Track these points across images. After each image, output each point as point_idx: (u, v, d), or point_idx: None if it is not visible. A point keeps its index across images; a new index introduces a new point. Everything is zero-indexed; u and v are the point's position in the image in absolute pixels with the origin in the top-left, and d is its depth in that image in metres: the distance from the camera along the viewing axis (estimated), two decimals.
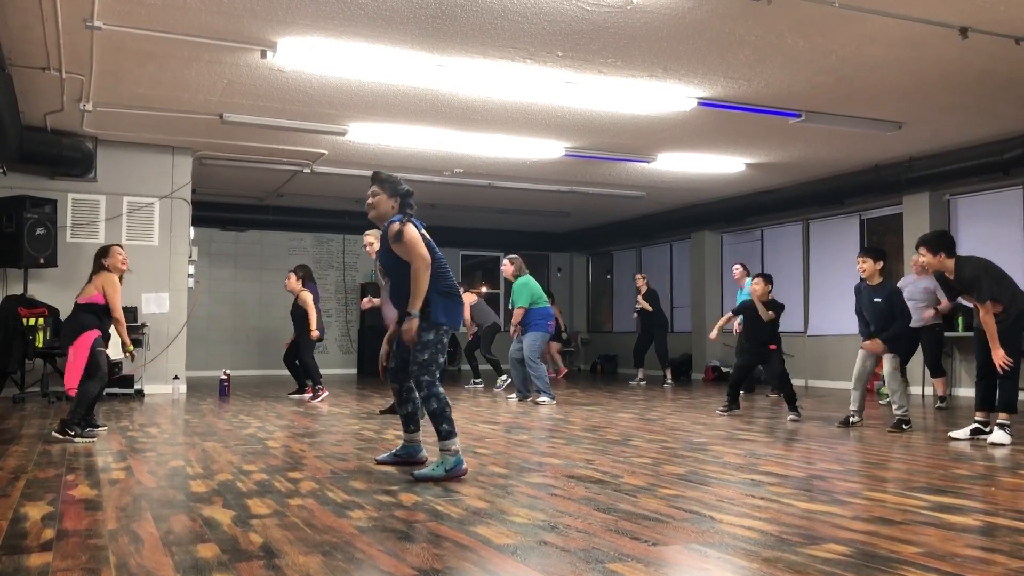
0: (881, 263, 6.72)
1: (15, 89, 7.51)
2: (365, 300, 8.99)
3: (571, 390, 11.08)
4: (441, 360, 4.32)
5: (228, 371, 10.05)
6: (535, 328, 9.11)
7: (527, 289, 9.25)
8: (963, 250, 10.14)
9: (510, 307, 9.40)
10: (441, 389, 4.28)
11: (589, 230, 16.56)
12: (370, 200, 4.52)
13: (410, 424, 4.68)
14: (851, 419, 6.76)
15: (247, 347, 15.01)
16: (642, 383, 12.31)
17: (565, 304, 18.60)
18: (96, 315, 5.97)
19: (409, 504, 3.56)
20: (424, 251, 4.31)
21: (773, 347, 7.50)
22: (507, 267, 9.43)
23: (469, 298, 11.32)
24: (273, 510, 3.42)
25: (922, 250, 5.98)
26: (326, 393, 9.11)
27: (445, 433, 4.24)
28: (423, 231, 4.48)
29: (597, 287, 18.46)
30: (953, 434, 5.98)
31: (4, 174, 9.30)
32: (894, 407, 6.56)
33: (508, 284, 9.79)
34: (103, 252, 6.19)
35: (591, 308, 18.52)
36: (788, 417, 7.25)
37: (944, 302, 8.38)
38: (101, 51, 6.74)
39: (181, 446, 5.42)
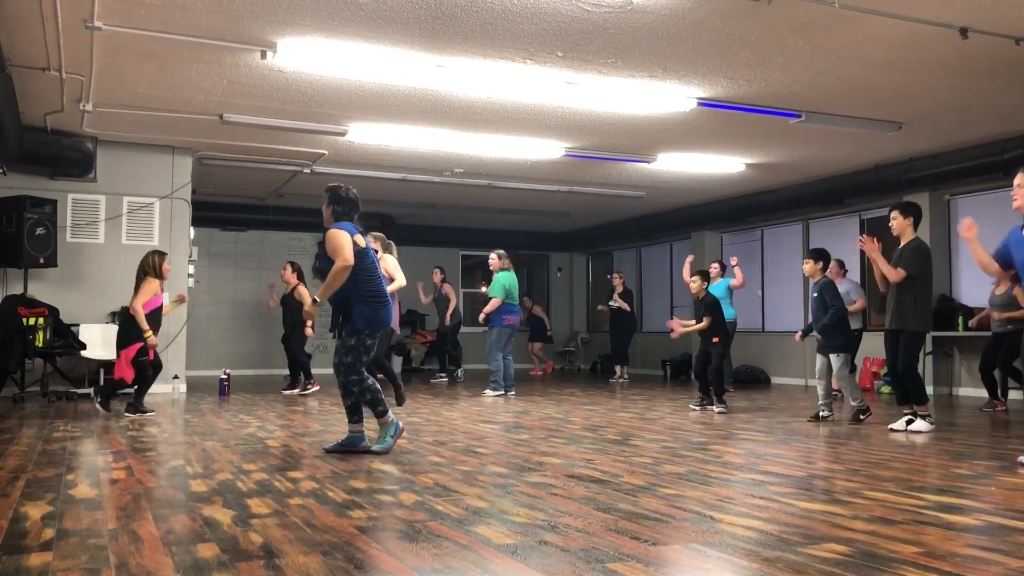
0: (821, 263, 7.34)
1: (15, 89, 7.51)
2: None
3: (571, 390, 11.09)
4: (365, 359, 4.91)
5: (228, 371, 10.06)
6: (496, 321, 9.99)
7: (503, 283, 10.07)
8: (963, 251, 10.19)
9: (488, 295, 10.17)
10: (368, 380, 4.89)
11: (589, 230, 16.56)
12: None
13: (354, 415, 5.08)
14: (820, 414, 7.11)
15: (247, 347, 15.00)
16: (623, 380, 12.92)
17: (565, 304, 18.61)
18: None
19: (409, 504, 3.56)
20: (348, 254, 4.76)
21: (716, 339, 8.11)
22: (495, 261, 10.24)
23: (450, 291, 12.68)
24: (273, 510, 3.42)
25: (895, 212, 6.55)
26: (316, 388, 9.38)
27: (381, 412, 4.93)
28: (358, 236, 4.93)
29: (597, 287, 18.44)
30: (892, 426, 6.52)
31: (4, 174, 9.30)
32: (850, 400, 7.10)
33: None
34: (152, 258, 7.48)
35: (591, 308, 18.50)
36: (714, 408, 7.84)
37: (859, 302, 9.27)
38: (101, 51, 6.74)
39: (181, 446, 5.42)
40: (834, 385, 7.34)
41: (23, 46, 6.63)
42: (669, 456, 5.02)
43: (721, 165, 10.74)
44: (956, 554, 2.76)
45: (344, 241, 4.81)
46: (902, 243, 6.50)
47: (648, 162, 10.54)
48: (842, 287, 9.00)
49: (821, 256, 7.35)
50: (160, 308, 7.43)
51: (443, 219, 15.29)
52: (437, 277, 12.65)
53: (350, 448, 5.05)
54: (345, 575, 2.51)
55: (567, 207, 14.14)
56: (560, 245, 17.77)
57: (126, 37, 6.41)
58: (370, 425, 5.23)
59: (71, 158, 9.38)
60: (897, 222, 6.51)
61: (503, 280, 10.09)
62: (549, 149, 9.93)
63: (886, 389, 10.24)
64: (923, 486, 4.06)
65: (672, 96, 7.78)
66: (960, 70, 7.02)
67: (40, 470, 4.39)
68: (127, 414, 7.28)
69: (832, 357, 7.10)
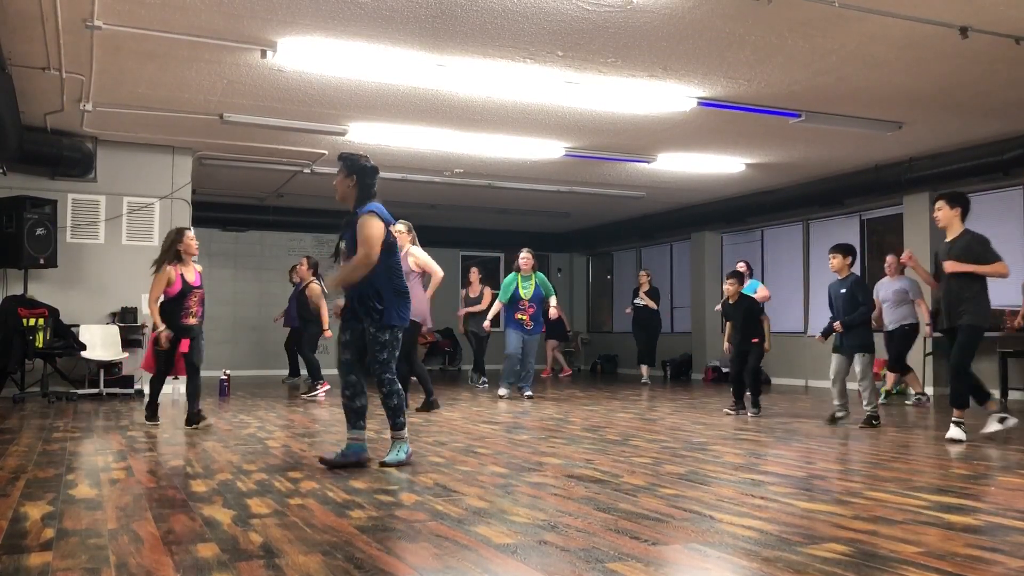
0: (850, 258, 7.04)
1: (15, 89, 7.51)
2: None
3: (571, 390, 11.08)
4: (396, 355, 4.59)
5: (228, 371, 10.05)
6: (540, 328, 9.53)
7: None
8: None
9: (526, 296, 9.40)
10: (398, 384, 4.59)
11: (589, 230, 16.56)
12: (334, 182, 4.76)
13: (360, 420, 4.63)
14: (836, 415, 7.00)
15: (247, 347, 15.00)
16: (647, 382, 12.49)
17: (565, 304, 18.59)
18: (163, 311, 6.45)
19: (409, 504, 3.56)
20: (376, 251, 4.44)
21: (755, 340, 7.79)
22: (530, 259, 9.56)
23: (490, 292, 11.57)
24: (273, 510, 3.42)
25: (940, 203, 6.04)
26: (326, 388, 9.23)
27: (401, 424, 4.59)
28: (389, 228, 4.62)
29: (597, 287, 18.45)
30: (984, 430, 5.98)
31: (4, 174, 9.30)
32: (864, 403, 6.83)
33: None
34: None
35: (591, 308, 18.51)
36: (748, 412, 7.52)
37: (920, 300, 8.69)
38: (101, 51, 6.74)
39: (181, 446, 5.42)
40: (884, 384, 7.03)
41: (23, 46, 6.63)
42: (669, 456, 5.02)
43: (721, 165, 10.74)
44: (956, 554, 2.76)
45: (378, 234, 4.44)
46: (949, 236, 5.99)
47: (648, 162, 10.54)
48: (899, 283, 8.75)
49: (850, 251, 7.06)
50: (183, 293, 6.43)
51: (443, 219, 15.28)
52: (475, 276, 11.88)
53: (354, 461, 4.55)
54: (345, 575, 2.51)
55: (567, 207, 14.14)
56: (560, 245, 17.76)
57: (126, 37, 6.41)
58: (370, 430, 5.22)
59: (71, 158, 9.38)
60: (943, 213, 6.01)
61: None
62: (549, 149, 9.93)
63: (887, 389, 10.21)
64: (923, 486, 4.06)
65: (672, 96, 7.78)
66: (960, 70, 7.02)
67: (40, 470, 4.39)
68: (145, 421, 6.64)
69: (857, 356, 6.86)
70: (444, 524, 3.17)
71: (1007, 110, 8.17)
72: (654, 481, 4.13)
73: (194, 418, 6.36)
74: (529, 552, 2.77)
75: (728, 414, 7.75)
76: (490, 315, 10.16)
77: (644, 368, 12.67)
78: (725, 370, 13.62)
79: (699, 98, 7.85)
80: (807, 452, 5.32)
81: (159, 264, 6.43)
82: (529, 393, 9.48)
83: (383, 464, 4.51)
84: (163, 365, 6.50)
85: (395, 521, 3.22)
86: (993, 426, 5.96)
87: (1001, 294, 8.93)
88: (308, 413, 7.74)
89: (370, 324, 4.48)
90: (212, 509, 3.43)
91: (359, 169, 4.62)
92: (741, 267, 10.55)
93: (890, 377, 9.24)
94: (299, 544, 2.85)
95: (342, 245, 4.71)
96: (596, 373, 16.39)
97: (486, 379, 11.54)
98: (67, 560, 2.64)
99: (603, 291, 18.24)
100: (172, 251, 6.44)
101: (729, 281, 8.02)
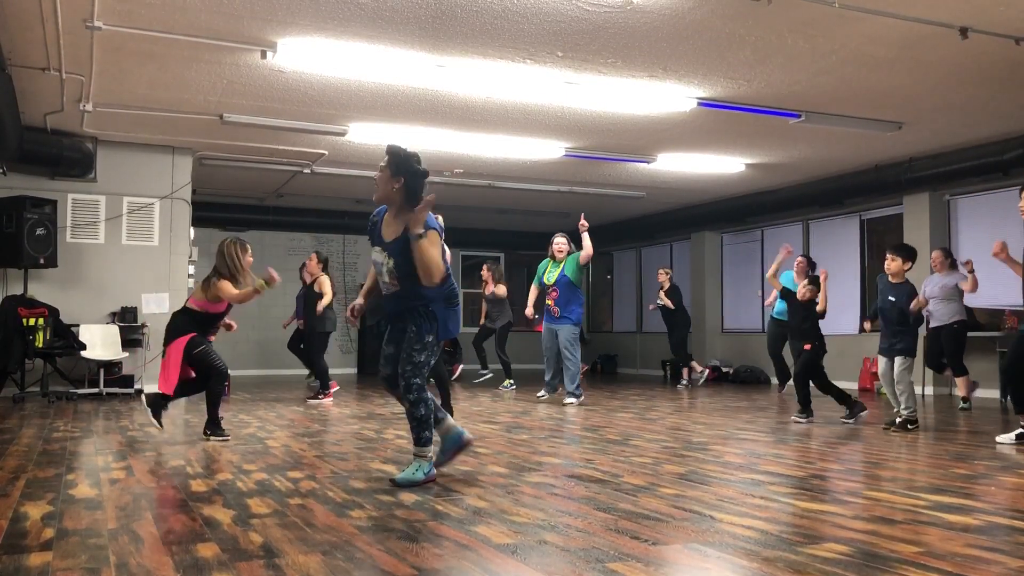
0: (909, 264, 6.66)
1: (15, 89, 7.51)
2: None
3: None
4: (432, 364, 4.12)
5: (228, 371, 10.03)
6: (576, 316, 8.87)
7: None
8: (963, 251, 10.17)
9: (549, 280, 9.01)
10: (428, 393, 4.09)
11: (589, 230, 16.53)
12: (375, 175, 4.05)
13: (437, 414, 4.22)
14: (897, 420, 6.57)
15: (247, 347, 15.00)
16: (688, 384, 12.18)
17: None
18: (195, 320, 5.89)
19: (409, 504, 3.55)
20: (439, 279, 3.90)
21: (808, 346, 7.27)
22: (563, 246, 9.17)
23: (502, 291, 11.20)
24: (273, 510, 3.42)
25: None
26: (331, 398, 8.99)
27: (426, 440, 4.05)
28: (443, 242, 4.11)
29: (597, 287, 18.46)
30: (999, 438, 5.79)
31: (4, 174, 9.30)
32: (902, 407, 6.50)
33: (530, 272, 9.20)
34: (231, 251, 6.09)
35: (591, 308, 18.51)
36: (792, 417, 7.14)
37: (969, 283, 7.93)
38: (101, 51, 6.74)
39: (181, 446, 5.42)
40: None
41: (23, 46, 6.63)
42: (669, 456, 5.02)
43: (721, 165, 10.75)
44: (956, 554, 2.76)
45: (441, 262, 3.92)
46: None
47: (648, 162, 10.54)
48: (952, 279, 8.32)
49: (911, 256, 6.71)
50: (226, 311, 6.12)
51: (443, 219, 15.27)
52: (486, 273, 11.37)
53: (455, 449, 4.29)
54: (345, 575, 2.51)
55: (567, 207, 14.14)
56: None
57: (126, 37, 6.41)
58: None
59: (71, 158, 9.38)
60: None
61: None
62: (549, 149, 9.94)
63: (884, 390, 10.20)
64: (923, 486, 4.06)
65: (672, 96, 7.78)
66: (960, 70, 7.02)
67: (40, 470, 4.39)
68: (208, 437, 5.72)
69: (898, 360, 6.59)
70: (444, 524, 3.17)
71: (1007, 110, 8.17)
72: (654, 481, 4.13)
73: (217, 430, 5.77)
74: (529, 552, 2.77)
75: (798, 422, 7.18)
76: (530, 300, 9.43)
77: (684, 371, 12.33)
78: (725, 370, 13.67)
79: (699, 98, 7.86)
80: (807, 452, 5.32)
81: (219, 275, 5.89)
82: (570, 400, 8.56)
83: (394, 482, 3.99)
84: (220, 362, 5.94)
85: (395, 521, 3.22)
86: (1009, 438, 5.69)
87: (1002, 294, 8.97)
88: (309, 413, 7.74)
89: (418, 326, 4.00)
90: (212, 509, 3.43)
91: (410, 172, 3.94)
92: (802, 262, 9.86)
93: (960, 383, 8.44)
94: (299, 544, 2.85)
95: (391, 264, 3.99)
96: (596, 373, 16.40)
97: (513, 382, 10.91)
98: (67, 560, 2.64)
99: (603, 291, 18.24)
100: (236, 265, 5.93)
101: (807, 285, 7.33)
